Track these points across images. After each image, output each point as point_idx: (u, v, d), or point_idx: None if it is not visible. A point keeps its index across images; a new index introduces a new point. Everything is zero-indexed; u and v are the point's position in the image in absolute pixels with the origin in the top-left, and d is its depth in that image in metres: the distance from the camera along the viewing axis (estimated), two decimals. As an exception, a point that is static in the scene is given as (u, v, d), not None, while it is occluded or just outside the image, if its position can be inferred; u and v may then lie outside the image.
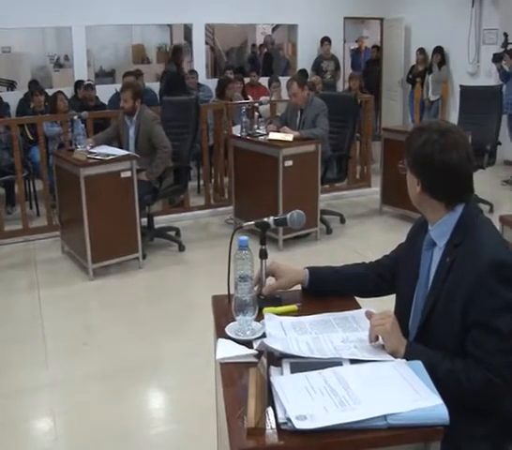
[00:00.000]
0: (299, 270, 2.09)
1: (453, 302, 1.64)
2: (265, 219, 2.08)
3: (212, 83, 8.82)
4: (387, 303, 1.99)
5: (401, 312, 1.84)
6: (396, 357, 1.62)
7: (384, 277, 2.04)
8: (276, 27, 12.32)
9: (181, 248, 5.27)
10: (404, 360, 1.58)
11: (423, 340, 1.71)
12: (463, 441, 1.62)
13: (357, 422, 1.36)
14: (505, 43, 7.73)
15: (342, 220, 6.05)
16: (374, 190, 6.77)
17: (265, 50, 12.05)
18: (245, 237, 1.89)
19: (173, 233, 5.55)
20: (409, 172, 1.81)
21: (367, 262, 2.15)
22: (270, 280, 2.07)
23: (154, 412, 3.19)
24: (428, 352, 1.64)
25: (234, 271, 1.86)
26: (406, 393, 1.44)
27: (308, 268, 2.09)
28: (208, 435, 2.31)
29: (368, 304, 1.95)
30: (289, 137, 5.26)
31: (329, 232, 5.69)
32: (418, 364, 1.55)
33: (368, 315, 1.75)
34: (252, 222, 2.09)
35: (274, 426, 1.40)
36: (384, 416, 1.37)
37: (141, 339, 3.80)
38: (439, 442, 1.39)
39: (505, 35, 7.81)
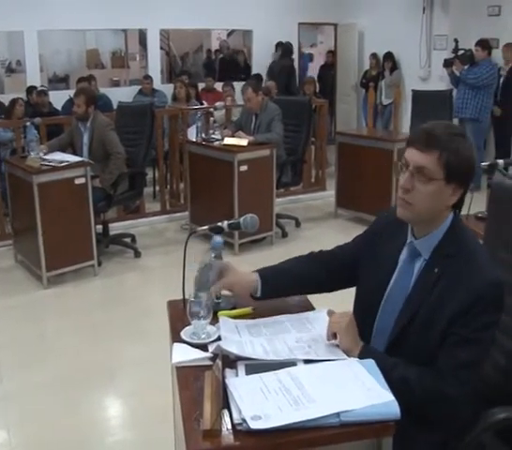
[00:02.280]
0: (250, 281, 1.96)
1: (438, 314, 1.62)
2: (219, 224, 2.09)
3: (167, 89, 8.81)
4: (346, 303, 1.97)
5: (363, 316, 1.81)
6: (350, 357, 1.64)
7: (334, 274, 1.98)
8: (231, 32, 12.35)
9: (137, 255, 5.25)
10: (357, 359, 1.62)
11: (395, 350, 1.70)
12: (418, 446, 1.65)
13: (311, 420, 1.38)
14: (456, 49, 7.90)
15: (298, 224, 6.11)
16: (329, 194, 6.85)
17: (221, 55, 12.08)
18: (219, 239, 1.92)
19: (128, 240, 5.52)
20: (443, 183, 1.63)
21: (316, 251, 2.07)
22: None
23: (112, 419, 3.17)
24: (382, 356, 1.65)
25: (201, 273, 1.88)
26: (358, 390, 1.47)
27: (259, 275, 1.97)
28: (166, 440, 2.31)
29: (324, 305, 1.98)
30: (244, 142, 5.29)
31: (285, 235, 5.74)
32: (371, 362, 1.58)
33: (329, 313, 1.76)
34: (206, 227, 2.11)
35: (229, 427, 1.41)
36: (337, 414, 1.40)
37: (97, 347, 3.77)
38: (391, 437, 1.43)
39: (456, 41, 7.99)
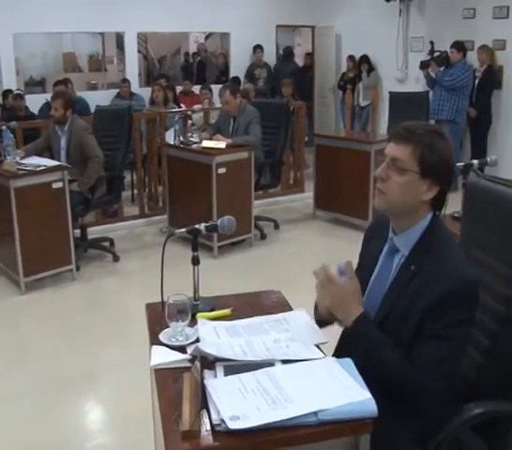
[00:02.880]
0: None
1: (412, 309, 1.65)
2: (197, 226, 2.11)
3: (145, 92, 8.78)
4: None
5: None
6: (345, 323, 1.73)
7: None
8: (209, 35, 12.36)
9: (115, 259, 5.23)
10: (334, 358, 1.63)
11: None
12: (396, 442, 1.66)
13: (289, 419, 1.40)
14: (432, 51, 7.98)
15: (276, 226, 6.12)
16: (307, 195, 6.88)
17: (199, 58, 12.08)
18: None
19: (107, 244, 5.49)
20: (418, 177, 1.68)
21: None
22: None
23: (91, 423, 3.15)
24: (376, 330, 1.69)
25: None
26: (336, 389, 1.48)
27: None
28: (147, 443, 2.31)
29: (301, 305, 1.99)
30: (222, 144, 5.30)
31: (264, 237, 5.76)
32: (348, 361, 1.60)
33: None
34: (184, 229, 2.12)
35: (208, 427, 1.42)
36: (315, 413, 1.41)
37: (76, 351, 3.74)
38: (368, 434, 1.44)
39: (432, 43, 8.08)
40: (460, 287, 1.61)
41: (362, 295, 1.82)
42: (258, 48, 9.83)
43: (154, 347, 1.81)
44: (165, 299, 1.88)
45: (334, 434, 1.43)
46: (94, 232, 5.67)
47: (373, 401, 1.43)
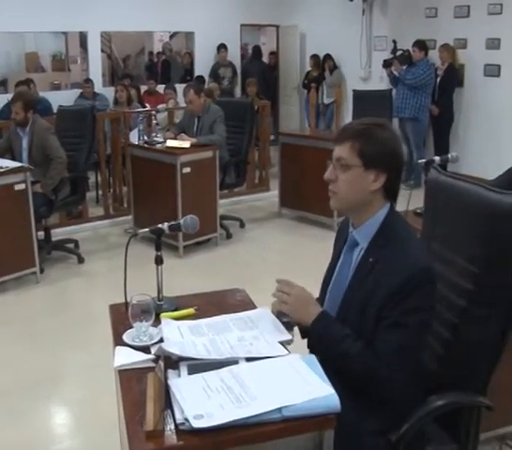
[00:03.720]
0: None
1: (372, 300, 1.68)
2: (160, 226, 2.10)
3: (109, 92, 8.70)
4: None
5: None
6: (305, 324, 1.74)
7: None
8: (173, 34, 12.29)
9: (80, 260, 5.17)
10: (298, 355, 1.64)
11: None
12: (360, 435, 1.67)
13: (253, 417, 1.40)
14: (394, 50, 8.07)
15: (242, 225, 6.13)
16: (273, 194, 6.90)
17: (163, 57, 12.01)
18: None
19: (71, 246, 5.43)
20: (362, 169, 1.72)
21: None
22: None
23: (57, 427, 3.11)
24: (336, 324, 1.73)
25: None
26: (299, 385, 1.49)
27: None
28: (113, 445, 2.29)
29: (265, 303, 1.99)
30: (186, 144, 5.28)
31: (229, 236, 5.76)
32: (312, 357, 1.61)
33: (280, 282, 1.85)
34: (147, 229, 2.11)
35: (173, 427, 1.42)
36: (279, 409, 1.42)
37: (41, 354, 3.69)
38: (332, 429, 1.45)
39: (394, 42, 8.16)
40: (416, 275, 1.65)
41: (327, 288, 1.88)
42: (222, 47, 9.83)
43: (117, 348, 1.79)
44: (129, 300, 1.86)
45: (298, 430, 1.44)
46: (58, 233, 5.61)
47: (336, 397, 1.44)
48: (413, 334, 1.66)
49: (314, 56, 9.76)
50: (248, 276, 4.57)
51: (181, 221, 2.12)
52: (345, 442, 1.53)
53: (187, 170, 5.13)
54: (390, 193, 1.79)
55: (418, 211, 3.22)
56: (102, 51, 10.39)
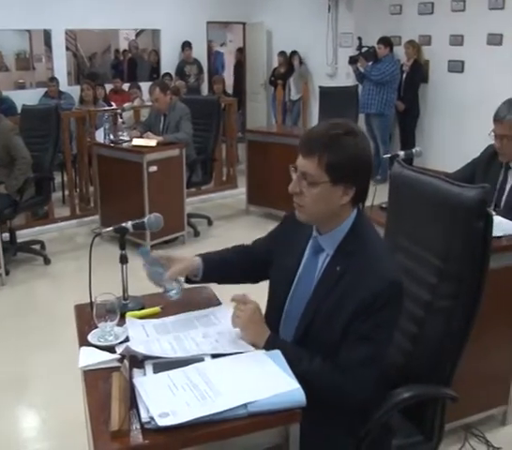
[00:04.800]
0: (193, 258, 1.98)
1: (339, 311, 1.64)
2: (124, 224, 2.09)
3: (75, 91, 8.60)
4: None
5: (274, 305, 1.86)
6: (256, 346, 1.67)
7: (256, 266, 2.01)
8: (139, 32, 12.20)
9: (46, 262, 5.11)
10: (263, 350, 1.64)
11: (302, 342, 1.72)
12: (327, 435, 1.67)
13: (218, 413, 1.40)
14: (360, 46, 8.13)
15: (210, 222, 6.12)
16: (240, 191, 6.91)
17: (129, 55, 11.91)
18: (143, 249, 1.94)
19: (37, 247, 5.36)
20: (330, 185, 1.64)
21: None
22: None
23: (25, 431, 3.06)
24: (288, 347, 1.66)
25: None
26: (264, 381, 1.49)
27: (202, 261, 1.98)
28: (83, 447, 2.26)
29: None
30: (152, 142, 5.26)
31: (197, 234, 5.74)
32: (276, 352, 1.61)
33: (235, 300, 1.78)
34: (111, 228, 2.10)
35: (138, 426, 1.41)
36: (244, 405, 1.42)
37: (7, 357, 3.64)
38: (298, 424, 1.46)
39: (359, 38, 8.22)
40: (386, 290, 1.60)
41: (289, 289, 1.80)
42: (186, 45, 9.79)
43: (82, 348, 1.78)
44: (94, 300, 1.85)
45: (264, 425, 1.44)
46: (23, 234, 5.54)
47: (301, 391, 1.45)
48: (379, 347, 1.63)
49: (282, 53, 9.77)
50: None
51: (145, 220, 2.11)
52: (312, 438, 1.54)
53: (153, 168, 5.11)
54: (359, 201, 1.73)
55: (383, 205, 3.23)
56: (68, 49, 10.24)
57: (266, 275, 1.99)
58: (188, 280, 2.00)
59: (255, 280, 2.08)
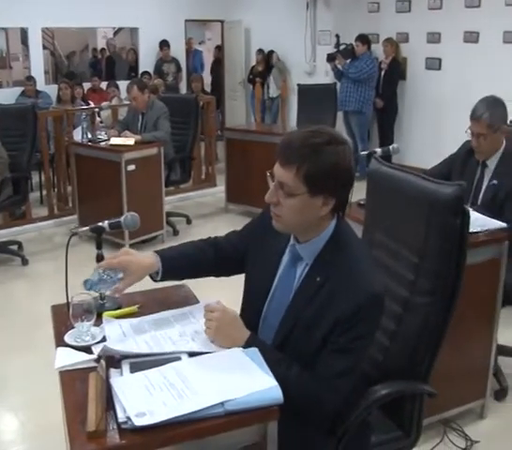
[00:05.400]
0: (150, 263, 1.85)
1: (319, 321, 1.61)
2: (100, 224, 2.08)
3: (53, 90, 8.53)
4: (232, 296, 1.97)
5: (251, 308, 1.84)
6: (234, 347, 1.65)
7: (228, 260, 1.96)
8: (118, 31, 12.13)
9: (24, 262, 5.06)
10: (240, 348, 1.63)
11: (280, 349, 1.69)
12: (299, 434, 1.66)
13: (195, 412, 1.39)
14: (338, 44, 8.15)
15: (189, 221, 6.11)
16: (219, 189, 6.90)
17: (107, 54, 11.85)
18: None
19: (15, 247, 5.31)
20: (308, 196, 1.58)
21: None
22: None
23: (3, 434, 3.03)
24: (267, 350, 1.63)
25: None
26: (242, 379, 1.49)
27: (160, 258, 1.87)
28: (59, 449, 2.24)
29: (209, 296, 1.98)
30: (130, 141, 5.23)
31: (176, 233, 5.72)
32: (254, 350, 1.60)
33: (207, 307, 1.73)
34: (87, 228, 2.09)
35: (115, 426, 1.40)
36: (222, 403, 1.41)
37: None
38: (276, 421, 1.45)
39: (337, 36, 8.25)
40: (368, 303, 1.58)
41: (267, 295, 1.77)
42: (164, 44, 9.75)
43: (59, 349, 1.76)
44: (70, 300, 1.83)
45: (241, 423, 1.43)
46: (1, 235, 5.50)
47: (279, 389, 1.44)
48: (357, 358, 1.61)
49: (260, 51, 9.77)
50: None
51: (121, 219, 2.10)
52: (290, 438, 1.53)
53: (131, 167, 5.09)
54: (340, 210, 1.68)
55: (362, 202, 3.24)
56: (45, 47, 10.16)
57: (240, 269, 1.95)
58: (152, 278, 1.92)
59: (227, 274, 2.01)
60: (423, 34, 7.85)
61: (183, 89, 10.00)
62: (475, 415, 2.94)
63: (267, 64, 9.68)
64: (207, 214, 6.51)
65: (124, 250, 1.89)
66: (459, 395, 2.79)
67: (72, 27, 10.36)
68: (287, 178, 1.58)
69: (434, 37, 7.77)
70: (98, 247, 2.08)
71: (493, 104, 3.02)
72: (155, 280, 1.90)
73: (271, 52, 9.58)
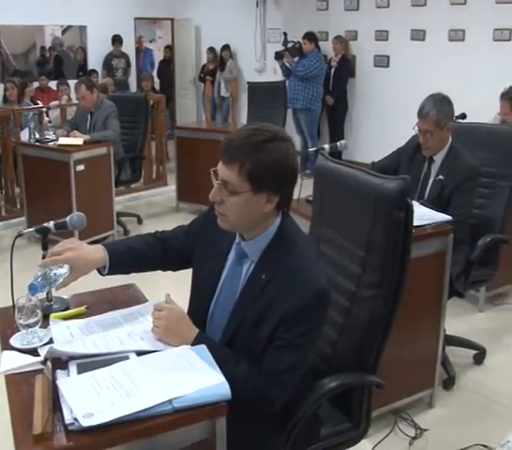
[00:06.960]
0: (98, 258, 1.84)
1: (265, 319, 1.62)
2: (45, 224, 2.06)
3: (-1, 90, 8.36)
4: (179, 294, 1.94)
5: (198, 305, 1.84)
6: (182, 344, 1.65)
7: (175, 254, 1.94)
8: (66, 29, 11.95)
9: (-30, 266, 4.95)
10: (188, 346, 1.63)
11: (228, 346, 1.69)
12: (248, 429, 1.66)
13: (143, 410, 1.39)
14: (285, 42, 8.18)
15: (140, 221, 6.08)
16: (170, 188, 6.88)
17: (55, 52, 11.66)
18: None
19: (-39, 251, 5.20)
20: (252, 194, 1.59)
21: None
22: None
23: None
24: (215, 347, 1.63)
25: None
26: (190, 376, 1.49)
27: (107, 252, 1.85)
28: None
29: (157, 295, 1.97)
30: (79, 141, 5.17)
31: (127, 233, 5.66)
32: (202, 347, 1.61)
33: (157, 307, 1.73)
34: (32, 229, 2.07)
35: (62, 428, 1.38)
36: (170, 401, 1.41)
37: None
38: (224, 417, 1.46)
39: (285, 34, 8.27)
40: (313, 299, 1.58)
41: (214, 292, 1.77)
42: (116, 40, 9.63)
43: (4, 352, 1.73)
44: (15, 302, 1.80)
45: (190, 420, 1.43)
46: None
47: (227, 385, 1.45)
48: (304, 352, 1.62)
49: (211, 49, 9.74)
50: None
51: (67, 219, 2.09)
52: (239, 433, 1.53)
53: (80, 167, 5.03)
54: (284, 206, 1.69)
55: (310, 198, 3.27)
56: (-9, 46, 9.96)
57: (187, 265, 1.94)
58: (99, 273, 1.90)
59: (174, 269, 2.01)
60: (371, 32, 7.97)
61: (133, 84, 9.92)
62: (425, 404, 3.00)
63: (218, 62, 9.65)
64: (158, 213, 6.48)
65: (70, 243, 1.87)
66: (408, 385, 2.85)
67: (18, 25, 10.16)
68: (230, 176, 1.58)
69: (382, 35, 7.90)
70: (44, 247, 2.07)
71: (440, 102, 3.08)
72: (102, 274, 1.89)
73: (225, 47, 9.51)
